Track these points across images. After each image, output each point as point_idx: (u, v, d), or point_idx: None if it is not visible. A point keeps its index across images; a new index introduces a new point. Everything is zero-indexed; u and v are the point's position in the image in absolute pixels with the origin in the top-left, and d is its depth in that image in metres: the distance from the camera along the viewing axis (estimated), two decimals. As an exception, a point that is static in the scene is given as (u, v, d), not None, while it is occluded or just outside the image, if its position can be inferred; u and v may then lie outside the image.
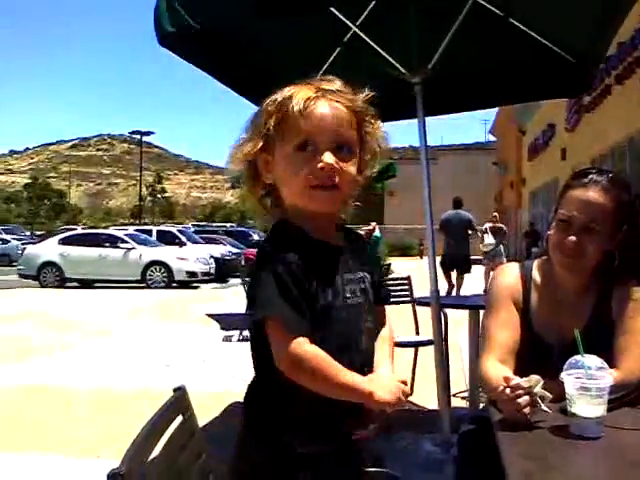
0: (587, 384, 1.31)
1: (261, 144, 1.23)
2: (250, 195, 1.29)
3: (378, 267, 1.40)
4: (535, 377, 1.38)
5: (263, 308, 1.16)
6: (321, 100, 1.21)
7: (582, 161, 15.25)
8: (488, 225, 13.31)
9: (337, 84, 1.26)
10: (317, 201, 1.21)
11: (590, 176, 1.72)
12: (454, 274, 11.40)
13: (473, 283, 12.12)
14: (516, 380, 1.38)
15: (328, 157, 1.18)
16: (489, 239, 13.01)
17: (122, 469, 0.91)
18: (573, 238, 1.68)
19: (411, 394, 4.59)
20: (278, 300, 1.14)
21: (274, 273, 1.15)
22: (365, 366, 1.26)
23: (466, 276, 11.70)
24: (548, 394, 1.36)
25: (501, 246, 13.39)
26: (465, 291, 11.20)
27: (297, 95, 1.21)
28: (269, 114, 1.22)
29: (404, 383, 1.26)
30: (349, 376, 1.17)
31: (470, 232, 11.41)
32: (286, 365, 1.15)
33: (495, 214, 14.10)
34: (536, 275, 1.83)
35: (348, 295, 1.25)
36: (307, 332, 1.16)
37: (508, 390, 1.37)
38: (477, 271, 13.12)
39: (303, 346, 1.14)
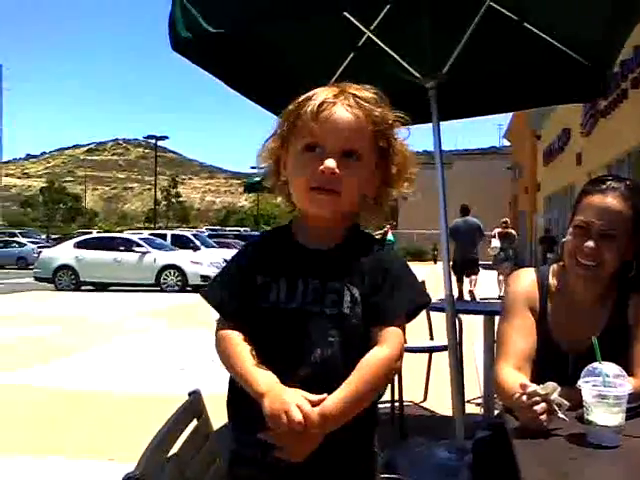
0: (605, 392, 1.29)
1: (279, 142, 1.25)
2: (277, 191, 1.30)
3: (389, 286, 1.21)
4: (552, 384, 1.36)
5: (205, 287, 1.32)
6: (337, 104, 1.20)
7: (598, 166, 15.13)
8: (497, 230, 13.83)
9: (366, 92, 1.24)
10: (314, 203, 1.20)
11: (608, 183, 1.71)
12: (466, 279, 11.81)
13: (487, 288, 12.79)
14: (532, 387, 1.36)
15: (330, 161, 1.17)
16: (495, 243, 13.51)
17: (137, 473, 0.91)
18: (591, 244, 1.66)
19: (425, 400, 4.59)
20: (214, 282, 1.29)
21: (228, 260, 1.32)
22: (316, 382, 1.13)
23: (480, 281, 12.02)
24: (565, 402, 1.34)
25: (510, 251, 13.72)
26: (478, 295, 11.85)
27: (315, 96, 1.21)
28: (289, 113, 1.23)
29: (306, 413, 1.06)
30: (250, 370, 1.14)
31: (480, 238, 11.82)
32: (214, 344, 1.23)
33: (506, 220, 14.44)
34: (552, 281, 1.82)
35: (308, 301, 1.18)
36: (232, 314, 1.22)
37: (525, 397, 1.35)
38: (490, 276, 13.69)
39: (221, 326, 1.23)
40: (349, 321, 1.18)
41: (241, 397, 1.17)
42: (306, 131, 1.19)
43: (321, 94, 1.21)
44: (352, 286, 1.20)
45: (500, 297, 11.75)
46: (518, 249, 17.15)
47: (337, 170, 1.17)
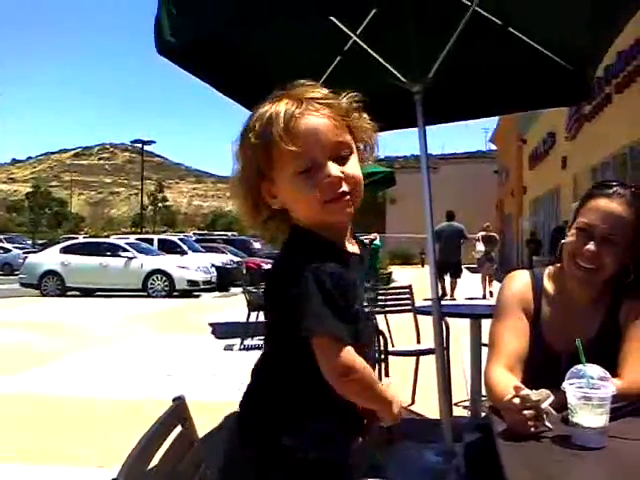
0: (589, 394, 1.30)
1: (256, 178, 1.20)
2: (253, 223, 1.26)
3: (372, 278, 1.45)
4: (546, 392, 1.36)
5: (314, 323, 1.12)
6: (306, 114, 1.16)
7: (583, 169, 15.27)
8: (481, 234, 14.77)
9: (319, 91, 1.21)
10: (334, 214, 1.19)
11: (614, 188, 1.72)
12: (447, 279, 13.07)
13: (472, 288, 13.97)
14: (526, 391, 1.36)
15: (333, 170, 1.16)
16: (480, 246, 14.50)
17: (119, 477, 0.90)
18: (592, 247, 1.67)
19: (413, 403, 4.59)
20: (328, 314, 1.12)
21: (319, 286, 1.12)
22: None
23: (465, 282, 13.57)
24: (554, 412, 1.34)
25: (493, 253, 14.89)
26: (463, 295, 13.04)
27: (278, 117, 1.15)
28: (254, 147, 1.17)
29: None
30: (380, 386, 1.24)
31: (462, 241, 13.08)
32: (338, 376, 1.14)
33: (488, 224, 15.30)
34: (547, 283, 1.83)
35: (365, 303, 1.27)
36: (353, 342, 1.16)
37: (517, 400, 1.35)
38: (474, 277, 14.76)
39: (353, 356, 1.15)
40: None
41: (299, 405, 1.20)
42: (290, 155, 1.14)
43: (280, 110, 1.16)
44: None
45: (484, 296, 13.39)
46: (503, 251, 18.57)
47: (341, 174, 1.17)
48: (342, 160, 1.18)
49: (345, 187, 1.17)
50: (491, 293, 13.49)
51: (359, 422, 1.26)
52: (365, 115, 1.26)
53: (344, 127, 1.20)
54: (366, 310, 1.26)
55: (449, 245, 12.27)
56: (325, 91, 1.21)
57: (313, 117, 1.16)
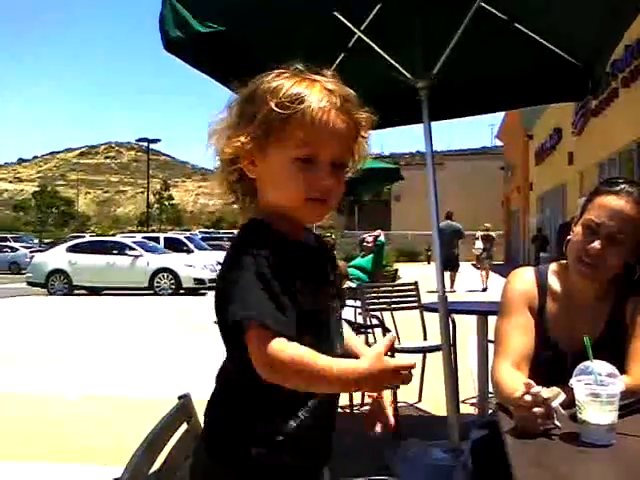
0: (597, 390, 1.29)
1: (250, 140, 1.13)
2: (222, 179, 1.21)
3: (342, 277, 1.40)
4: (556, 389, 1.35)
5: (245, 309, 1.05)
6: (333, 112, 1.13)
7: (589, 165, 15.21)
8: (480, 233, 16.95)
9: (349, 91, 1.18)
10: (309, 213, 1.17)
11: (622, 185, 1.70)
12: (447, 273, 14.17)
13: (472, 282, 15.73)
14: (537, 388, 1.35)
15: (329, 180, 1.14)
16: (479, 244, 16.68)
17: (124, 477, 0.90)
18: (597, 245, 1.66)
19: (419, 401, 4.59)
20: (262, 299, 1.05)
21: (257, 273, 1.07)
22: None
23: (465, 277, 15.43)
24: (563, 411, 1.33)
25: (491, 251, 16.83)
26: (464, 288, 14.64)
27: (309, 98, 1.11)
28: (268, 107, 1.11)
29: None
30: (339, 363, 1.08)
31: (460, 239, 14.49)
32: (262, 366, 1.05)
33: (487, 224, 17.12)
34: (551, 280, 1.81)
35: (329, 300, 1.21)
36: (290, 332, 1.06)
37: (528, 397, 1.33)
38: (473, 273, 16.81)
39: (282, 346, 1.04)
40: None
41: (265, 411, 1.14)
42: (301, 139, 1.11)
43: (312, 94, 1.12)
44: (335, 277, 1.27)
45: (484, 289, 14.80)
46: (510, 248, 20.17)
47: (334, 182, 1.15)
48: (337, 168, 1.16)
49: (328, 195, 1.16)
50: (487, 288, 15.09)
51: (331, 419, 1.22)
52: (369, 135, 1.24)
53: (353, 140, 1.19)
54: (331, 308, 1.21)
55: (448, 243, 13.10)
56: (353, 94, 1.19)
57: (338, 118, 1.13)
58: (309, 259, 1.18)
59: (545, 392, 1.34)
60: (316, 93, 1.12)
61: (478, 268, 16.89)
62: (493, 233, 17.30)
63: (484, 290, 14.81)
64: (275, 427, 1.13)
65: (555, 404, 1.33)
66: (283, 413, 1.13)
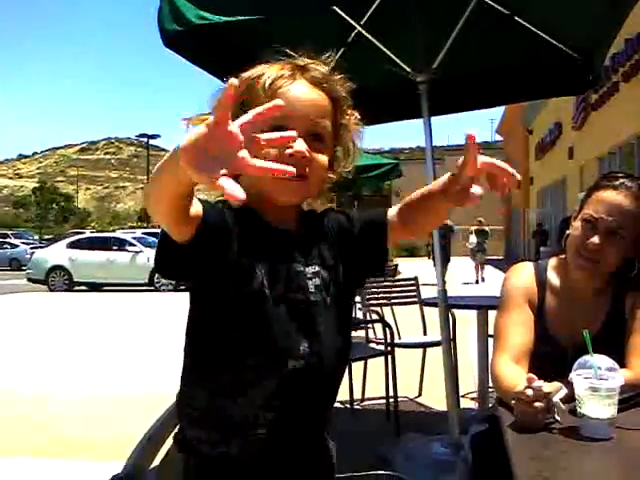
0: (596, 384, 1.29)
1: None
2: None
3: (356, 222, 1.20)
4: (558, 384, 1.35)
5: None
6: (297, 81, 1.09)
7: (589, 159, 15.19)
8: (474, 228, 17.68)
9: (323, 67, 1.13)
10: (283, 191, 1.07)
11: (621, 180, 1.70)
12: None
13: (466, 273, 17.02)
14: (539, 383, 1.34)
15: (299, 144, 1.04)
16: (473, 238, 17.45)
17: (123, 473, 0.90)
18: (596, 240, 1.66)
19: (420, 395, 4.59)
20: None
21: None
22: (306, 373, 1.07)
23: (460, 269, 16.91)
24: (563, 406, 1.33)
25: (484, 244, 17.45)
26: (460, 280, 15.49)
27: (268, 73, 1.08)
28: (242, 89, 1.06)
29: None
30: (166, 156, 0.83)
31: (450, 234, 15.00)
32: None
33: (480, 219, 17.63)
34: (551, 275, 1.81)
35: (294, 289, 1.08)
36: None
37: (530, 391, 1.33)
38: (468, 266, 17.73)
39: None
40: (333, 305, 1.13)
41: (194, 395, 1.08)
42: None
43: (273, 70, 1.10)
44: (323, 269, 1.14)
45: (477, 281, 15.87)
46: (510, 243, 20.68)
47: (307, 153, 1.05)
48: (314, 147, 1.08)
49: (304, 169, 1.05)
50: (483, 279, 16.54)
51: (282, 410, 1.07)
52: (356, 115, 1.17)
53: (329, 109, 1.12)
54: (292, 303, 1.08)
55: (440, 237, 13.91)
56: (326, 69, 1.14)
57: (302, 85, 1.09)
58: (276, 243, 1.09)
59: (546, 387, 1.34)
60: (277, 67, 1.10)
61: (471, 259, 18.00)
62: (487, 228, 17.92)
63: (477, 282, 16.00)
64: (212, 413, 1.06)
65: (556, 399, 1.33)
66: (224, 397, 1.05)
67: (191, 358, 1.11)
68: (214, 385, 1.06)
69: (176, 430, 1.12)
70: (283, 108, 0.77)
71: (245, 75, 1.11)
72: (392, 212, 1.20)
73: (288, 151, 1.03)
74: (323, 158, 1.10)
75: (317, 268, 1.13)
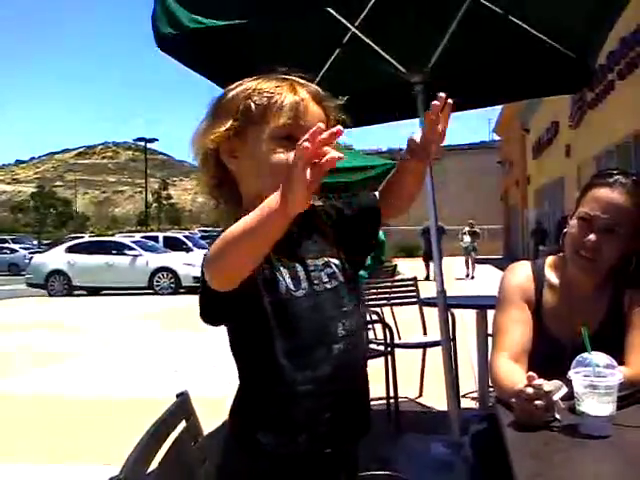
0: (595, 382, 1.29)
1: (234, 128, 1.16)
2: (203, 184, 1.23)
3: (349, 203, 1.32)
4: (558, 383, 1.35)
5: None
6: (306, 100, 1.19)
7: (587, 158, 15.20)
8: (466, 229, 20.18)
9: (317, 87, 1.24)
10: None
11: (615, 177, 1.70)
12: (432, 265, 15.63)
13: (459, 271, 18.46)
14: (540, 381, 1.34)
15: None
16: (466, 238, 19.75)
17: (121, 475, 0.90)
18: (593, 237, 1.66)
19: (420, 395, 4.59)
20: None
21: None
22: (348, 353, 1.18)
23: (453, 267, 17.99)
24: (562, 405, 1.33)
25: (475, 244, 19.69)
26: (453, 276, 16.36)
27: (284, 88, 1.18)
28: (247, 99, 1.18)
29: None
30: (256, 210, 0.95)
31: (442, 235, 15.84)
32: (208, 269, 1.04)
33: (471, 221, 20.55)
34: (548, 273, 1.82)
35: (316, 282, 1.19)
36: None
37: (530, 389, 1.33)
38: (461, 264, 19.29)
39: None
40: (346, 287, 1.23)
41: (267, 397, 1.15)
42: (279, 122, 1.15)
43: (285, 87, 1.19)
44: (329, 258, 1.23)
45: (468, 275, 18.47)
46: (509, 242, 22.04)
47: None
48: None
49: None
50: (473, 276, 18.35)
51: (338, 394, 1.17)
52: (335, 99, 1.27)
53: (324, 118, 1.21)
54: (318, 295, 1.17)
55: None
56: (319, 89, 1.24)
57: (311, 104, 1.19)
58: (284, 247, 1.13)
59: (547, 385, 1.34)
60: (289, 85, 1.20)
61: (464, 257, 19.98)
62: (477, 229, 20.63)
63: (470, 277, 18.06)
64: (274, 416, 1.14)
65: (556, 398, 1.33)
66: (281, 402, 1.14)
67: (244, 368, 1.20)
68: (276, 390, 1.14)
69: (232, 431, 1.18)
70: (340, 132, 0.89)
71: (260, 85, 1.20)
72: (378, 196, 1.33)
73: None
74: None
75: (325, 259, 1.23)
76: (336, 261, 1.24)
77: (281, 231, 0.95)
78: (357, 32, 3.20)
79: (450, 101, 1.13)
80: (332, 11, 3.06)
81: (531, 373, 1.37)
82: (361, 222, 1.30)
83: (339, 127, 0.89)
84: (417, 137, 1.16)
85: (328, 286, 1.20)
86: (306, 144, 0.85)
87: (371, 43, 3.13)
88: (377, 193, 1.33)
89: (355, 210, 1.30)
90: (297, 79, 1.23)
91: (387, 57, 3.12)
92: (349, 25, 3.21)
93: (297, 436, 1.13)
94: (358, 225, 1.29)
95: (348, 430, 1.20)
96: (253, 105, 1.17)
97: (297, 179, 0.87)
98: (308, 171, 0.86)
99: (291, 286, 1.15)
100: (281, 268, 1.16)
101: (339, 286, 1.21)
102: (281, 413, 1.14)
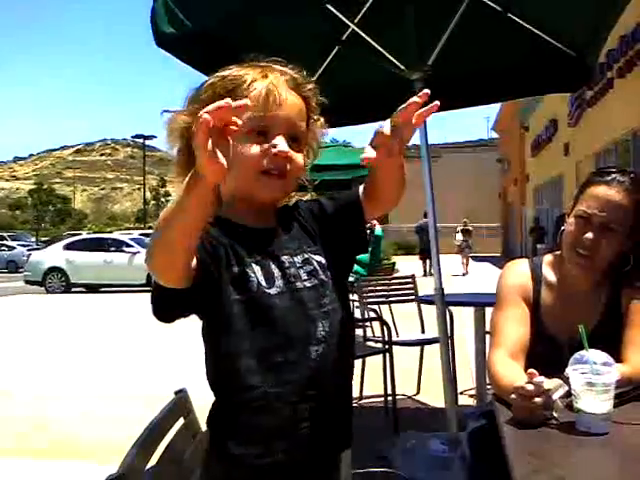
0: (592, 379, 1.29)
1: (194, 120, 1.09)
2: (179, 181, 1.14)
3: (331, 204, 1.27)
4: (558, 381, 1.35)
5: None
6: (280, 86, 1.14)
7: (585, 156, 15.21)
8: (460, 227, 21.20)
9: (291, 70, 1.20)
10: (266, 187, 1.13)
11: (613, 175, 1.70)
12: (428, 262, 16.44)
13: (454, 267, 18.64)
14: (540, 378, 1.34)
15: (283, 144, 1.12)
16: (459, 237, 20.79)
17: (118, 473, 0.90)
18: (590, 235, 1.66)
19: (418, 392, 4.60)
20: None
21: None
22: (325, 356, 1.11)
23: (448, 264, 19.13)
24: (561, 404, 1.33)
25: (469, 241, 20.68)
26: (448, 273, 15.23)
27: (254, 77, 1.14)
28: (216, 88, 1.13)
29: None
30: (176, 199, 0.93)
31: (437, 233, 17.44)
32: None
33: (465, 220, 21.45)
34: (546, 271, 1.82)
35: (292, 280, 1.13)
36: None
37: (530, 386, 1.33)
38: (455, 261, 19.59)
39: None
40: (330, 286, 1.17)
41: (237, 408, 1.10)
42: (251, 113, 1.08)
43: (256, 74, 1.14)
44: (312, 254, 1.19)
45: (463, 274, 18.71)
46: (507, 240, 22.73)
47: (289, 153, 1.13)
48: (292, 144, 1.15)
49: (285, 168, 1.13)
50: (467, 272, 19.13)
51: (317, 398, 1.10)
52: (322, 119, 1.24)
53: (304, 112, 1.19)
54: (294, 293, 1.12)
55: (427, 237, 15.70)
56: (299, 74, 1.20)
57: (285, 92, 1.15)
58: (258, 243, 1.14)
59: (547, 383, 1.34)
60: (258, 71, 1.15)
61: (458, 255, 20.88)
62: (470, 227, 21.48)
63: (464, 275, 18.64)
64: (245, 427, 1.08)
65: (556, 397, 1.33)
66: (250, 413, 1.07)
67: (210, 371, 1.14)
68: (246, 396, 1.08)
69: (209, 441, 1.13)
70: (250, 107, 0.87)
71: (231, 73, 1.15)
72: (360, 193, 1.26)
73: (273, 150, 1.11)
74: (300, 158, 1.17)
75: (305, 255, 1.18)
76: (319, 258, 1.19)
77: (202, 203, 0.91)
78: (357, 29, 3.20)
79: (437, 102, 1.06)
80: (332, 8, 3.06)
81: (532, 370, 1.36)
82: (344, 218, 1.24)
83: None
84: (385, 130, 1.05)
85: (307, 284, 1.15)
86: (206, 116, 0.82)
87: (370, 40, 3.13)
88: (361, 187, 1.27)
89: (337, 206, 1.26)
90: (275, 65, 1.18)
91: (386, 54, 3.12)
92: (348, 22, 3.20)
93: (272, 445, 1.07)
94: (341, 221, 1.24)
95: (328, 441, 1.13)
96: (218, 91, 1.12)
97: (198, 146, 0.84)
98: (210, 140, 0.83)
99: (263, 283, 1.10)
100: (253, 265, 1.11)
101: (321, 284, 1.16)
102: (251, 420, 1.08)
